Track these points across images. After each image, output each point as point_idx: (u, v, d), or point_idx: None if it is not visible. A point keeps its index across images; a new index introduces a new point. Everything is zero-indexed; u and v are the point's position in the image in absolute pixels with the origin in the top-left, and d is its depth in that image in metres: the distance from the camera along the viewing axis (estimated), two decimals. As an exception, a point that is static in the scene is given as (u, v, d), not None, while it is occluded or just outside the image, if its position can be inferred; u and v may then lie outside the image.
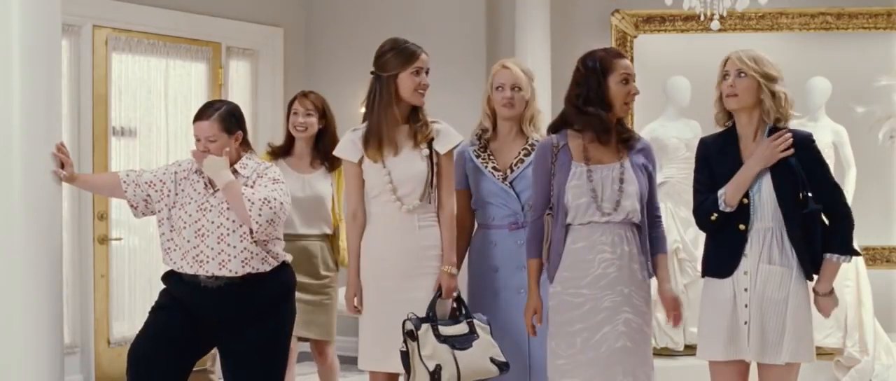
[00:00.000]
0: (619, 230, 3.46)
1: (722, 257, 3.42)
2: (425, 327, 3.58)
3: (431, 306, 3.65)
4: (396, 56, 3.68)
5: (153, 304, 3.78)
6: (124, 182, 3.73)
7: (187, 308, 3.68)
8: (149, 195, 3.72)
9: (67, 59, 5.61)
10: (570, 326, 3.49)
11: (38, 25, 3.47)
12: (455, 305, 3.71)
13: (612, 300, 3.45)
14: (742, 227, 3.37)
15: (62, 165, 3.57)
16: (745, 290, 3.35)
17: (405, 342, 3.59)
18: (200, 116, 3.67)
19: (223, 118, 3.66)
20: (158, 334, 3.66)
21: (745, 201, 3.36)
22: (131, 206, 3.77)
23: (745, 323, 3.34)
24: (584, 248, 3.48)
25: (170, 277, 3.76)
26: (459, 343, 3.58)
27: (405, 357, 3.59)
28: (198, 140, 3.66)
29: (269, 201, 3.56)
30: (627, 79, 3.51)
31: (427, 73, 3.73)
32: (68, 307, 5.52)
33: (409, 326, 3.58)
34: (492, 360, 3.61)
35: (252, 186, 3.64)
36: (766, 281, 3.33)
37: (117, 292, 5.97)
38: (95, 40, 5.81)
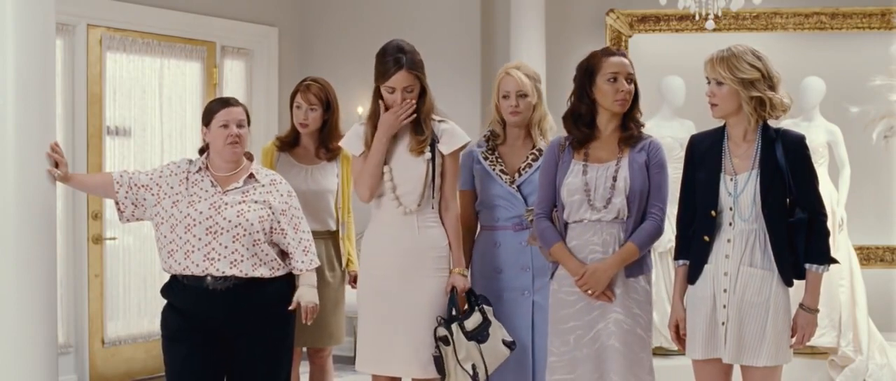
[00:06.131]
0: (611, 230, 3.47)
1: (693, 264, 3.40)
2: (455, 329, 3.60)
3: (453, 303, 3.67)
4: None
5: (161, 331, 3.71)
6: (117, 182, 3.69)
7: (194, 325, 3.62)
8: (144, 198, 3.67)
9: (62, 59, 5.61)
10: (565, 323, 3.51)
11: (32, 25, 3.45)
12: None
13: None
14: (707, 238, 3.35)
15: (57, 165, 3.55)
16: (725, 291, 3.31)
17: (438, 347, 3.61)
18: (233, 102, 3.73)
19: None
20: (185, 374, 3.63)
21: (713, 213, 3.33)
22: (119, 209, 3.70)
23: (723, 324, 3.31)
24: (577, 246, 3.51)
25: (171, 288, 3.69)
26: (480, 336, 3.61)
27: (439, 362, 3.62)
28: (226, 126, 3.65)
29: (311, 242, 3.75)
30: (615, 77, 3.49)
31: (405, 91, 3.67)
32: (62, 307, 5.52)
33: (443, 331, 3.60)
34: (503, 342, 3.65)
35: (269, 194, 3.67)
36: (746, 284, 3.28)
37: (111, 292, 5.97)
38: (90, 39, 5.80)
